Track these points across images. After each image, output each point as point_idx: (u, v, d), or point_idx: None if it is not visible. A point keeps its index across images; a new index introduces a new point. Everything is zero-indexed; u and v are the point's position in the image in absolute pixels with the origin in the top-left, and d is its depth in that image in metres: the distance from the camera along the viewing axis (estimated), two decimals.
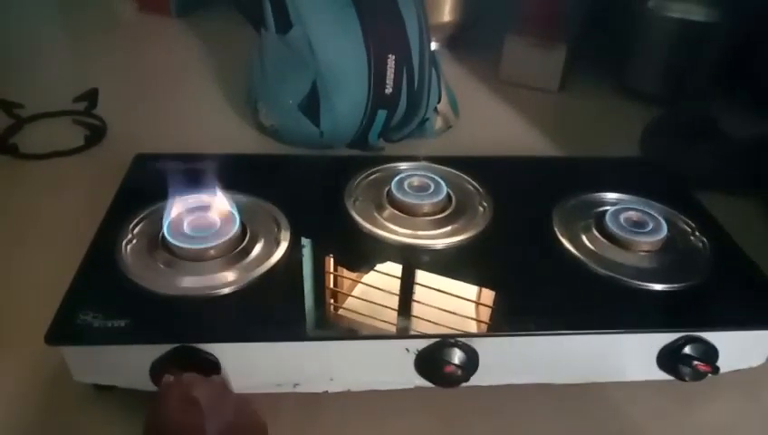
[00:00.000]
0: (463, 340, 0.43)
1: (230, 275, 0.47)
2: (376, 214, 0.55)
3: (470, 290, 0.48)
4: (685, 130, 0.82)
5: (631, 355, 0.46)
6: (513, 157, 0.66)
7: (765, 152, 0.75)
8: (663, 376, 0.47)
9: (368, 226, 0.53)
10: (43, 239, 0.60)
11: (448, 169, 0.60)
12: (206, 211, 0.51)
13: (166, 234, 0.48)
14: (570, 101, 0.95)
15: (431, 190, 0.56)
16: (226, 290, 0.45)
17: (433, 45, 1.03)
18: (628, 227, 0.52)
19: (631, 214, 0.54)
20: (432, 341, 0.43)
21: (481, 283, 0.48)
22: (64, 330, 0.41)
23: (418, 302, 0.46)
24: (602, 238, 0.52)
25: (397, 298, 0.47)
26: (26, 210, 0.64)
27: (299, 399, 0.45)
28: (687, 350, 0.45)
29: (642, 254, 0.51)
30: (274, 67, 0.76)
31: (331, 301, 0.47)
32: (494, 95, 0.94)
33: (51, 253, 0.57)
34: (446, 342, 0.43)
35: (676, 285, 0.48)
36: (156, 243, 0.49)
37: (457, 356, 0.43)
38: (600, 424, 0.47)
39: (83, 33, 1.12)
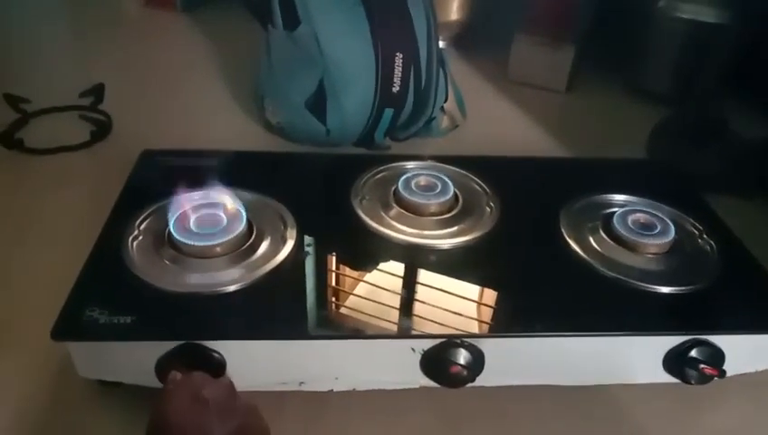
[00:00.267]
0: (469, 340, 0.43)
1: (236, 273, 0.46)
2: (382, 213, 0.54)
3: (476, 290, 0.48)
4: (693, 131, 0.81)
5: (638, 358, 0.46)
6: (521, 157, 0.66)
7: None
8: (669, 379, 0.46)
9: (374, 225, 0.53)
10: (49, 234, 0.60)
11: (455, 169, 0.60)
12: (212, 208, 0.51)
13: (172, 230, 0.48)
14: (577, 101, 0.95)
15: (438, 190, 0.56)
16: (232, 287, 0.45)
17: (440, 44, 1.04)
18: (635, 230, 0.52)
19: (639, 216, 0.54)
20: (438, 341, 0.43)
21: (487, 283, 0.48)
22: (70, 326, 0.41)
23: (425, 302, 0.46)
24: (610, 240, 0.52)
25: (403, 298, 0.47)
26: (32, 205, 0.64)
27: (304, 397, 0.45)
28: (694, 353, 0.45)
29: (650, 256, 0.51)
30: (282, 64, 0.76)
31: (337, 300, 0.47)
32: (501, 95, 0.94)
33: (56, 248, 0.57)
34: (452, 342, 0.43)
35: (683, 288, 0.48)
36: (162, 240, 0.49)
37: (463, 357, 0.43)
38: (606, 426, 0.47)
39: (89, 28, 1.12)
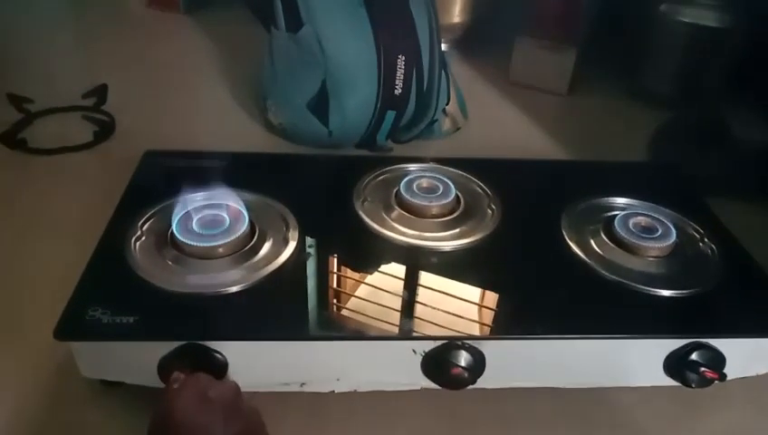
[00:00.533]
0: (470, 342, 0.43)
1: (238, 274, 0.47)
2: (384, 215, 0.55)
3: (478, 293, 0.48)
4: (695, 134, 0.81)
5: (638, 361, 0.46)
6: (523, 159, 0.66)
7: None
8: (670, 382, 0.47)
9: (376, 226, 0.53)
10: (51, 234, 0.60)
11: (457, 171, 0.60)
12: (215, 209, 0.51)
13: (175, 231, 0.48)
14: (579, 103, 0.95)
15: (440, 192, 0.56)
16: (235, 288, 0.45)
17: (443, 46, 1.04)
18: (636, 233, 0.52)
19: (640, 219, 0.54)
20: (439, 343, 0.43)
21: (489, 286, 0.49)
22: (73, 325, 0.41)
23: (426, 303, 0.46)
24: (611, 243, 0.52)
25: (405, 299, 0.47)
26: (35, 205, 0.65)
27: (306, 398, 0.45)
28: (695, 356, 0.45)
29: (650, 259, 0.51)
30: (284, 66, 0.76)
31: (339, 301, 0.47)
32: (503, 97, 0.94)
33: (59, 248, 0.57)
34: (453, 344, 0.43)
35: (684, 291, 0.48)
36: (165, 240, 0.49)
37: (464, 358, 0.43)
38: (606, 429, 0.47)
39: (93, 28, 1.12)
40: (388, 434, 0.45)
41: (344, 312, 0.46)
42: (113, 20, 1.16)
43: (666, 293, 0.48)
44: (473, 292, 0.48)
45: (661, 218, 0.54)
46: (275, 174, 0.60)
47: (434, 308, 0.46)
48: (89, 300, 0.43)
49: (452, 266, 0.50)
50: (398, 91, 0.74)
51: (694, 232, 0.55)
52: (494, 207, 0.56)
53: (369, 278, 0.49)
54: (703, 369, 0.44)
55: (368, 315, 0.45)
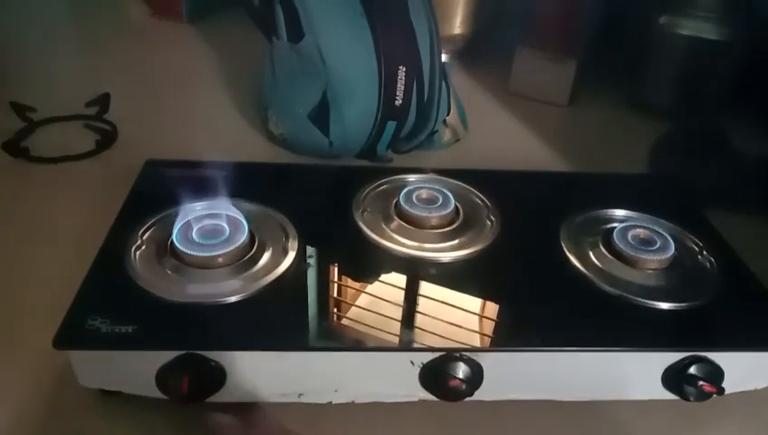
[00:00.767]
0: (468, 354, 0.44)
1: (237, 284, 0.47)
2: (383, 225, 0.55)
3: (476, 304, 0.48)
4: (694, 146, 0.82)
5: (636, 374, 0.46)
6: (522, 171, 0.66)
7: None
8: (668, 395, 0.47)
9: (375, 237, 0.53)
10: (52, 243, 0.61)
11: (456, 182, 0.60)
12: (215, 219, 0.51)
13: (175, 241, 0.48)
14: (579, 115, 0.95)
15: (439, 203, 0.56)
16: (234, 298, 0.45)
17: (443, 57, 1.04)
18: (635, 245, 0.52)
19: (639, 231, 0.54)
20: (437, 354, 0.43)
21: (487, 297, 0.49)
22: (72, 334, 0.41)
23: (424, 314, 0.46)
24: (609, 255, 0.52)
25: (403, 310, 0.47)
26: (36, 213, 0.65)
27: (303, 409, 0.45)
28: (693, 370, 0.45)
29: (649, 272, 0.51)
30: (285, 76, 0.76)
31: (338, 311, 0.47)
32: (503, 108, 0.95)
33: (59, 257, 0.57)
34: (451, 355, 0.43)
35: (682, 304, 0.48)
36: (165, 249, 0.49)
37: (462, 370, 0.43)
38: None
39: (96, 37, 1.13)
40: None
41: (343, 322, 0.46)
42: (116, 29, 1.17)
43: (664, 305, 0.48)
44: (471, 303, 0.48)
45: (660, 231, 0.54)
46: (276, 184, 0.60)
47: (432, 319, 0.46)
48: (88, 309, 0.43)
49: (451, 278, 0.50)
50: (398, 102, 0.74)
51: (693, 245, 0.55)
52: (493, 218, 0.56)
53: (368, 289, 0.49)
54: (701, 383, 0.44)
55: (366, 326, 0.45)
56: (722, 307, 0.49)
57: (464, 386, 0.43)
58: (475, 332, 0.45)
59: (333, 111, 0.73)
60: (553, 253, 0.53)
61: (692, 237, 0.55)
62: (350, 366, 0.44)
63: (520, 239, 0.55)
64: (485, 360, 0.44)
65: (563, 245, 0.53)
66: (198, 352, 0.42)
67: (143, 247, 0.49)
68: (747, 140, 0.79)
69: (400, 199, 0.56)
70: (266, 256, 0.50)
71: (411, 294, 0.49)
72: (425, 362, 0.44)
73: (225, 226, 0.50)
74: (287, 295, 0.47)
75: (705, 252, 0.54)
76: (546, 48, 0.94)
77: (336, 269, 0.51)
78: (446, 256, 0.52)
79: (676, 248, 0.52)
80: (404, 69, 0.73)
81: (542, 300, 0.49)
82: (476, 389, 0.44)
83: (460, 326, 0.45)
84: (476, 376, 0.44)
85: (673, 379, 0.45)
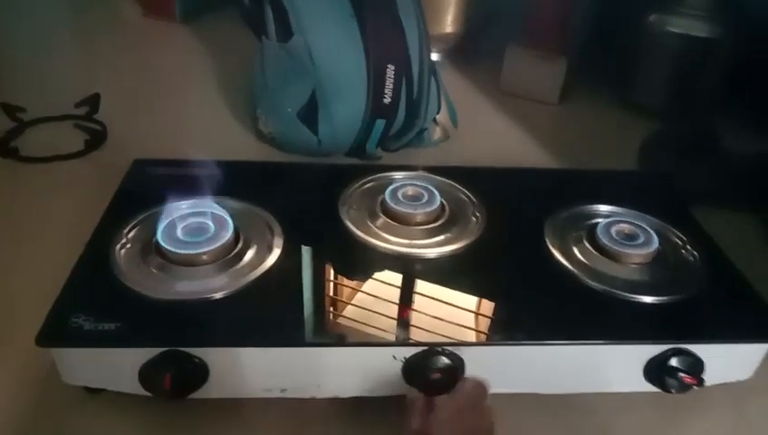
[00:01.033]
0: (450, 348, 0.44)
1: (222, 281, 0.47)
2: (369, 222, 0.55)
3: (459, 299, 0.48)
4: (684, 144, 0.82)
5: (619, 366, 0.47)
6: (509, 168, 0.67)
7: (765, 169, 0.75)
8: (650, 388, 0.47)
9: (361, 234, 0.53)
10: (41, 242, 0.61)
11: (443, 179, 0.60)
12: (200, 217, 0.51)
13: (159, 238, 0.49)
14: (570, 113, 0.96)
15: (424, 200, 0.56)
16: (217, 295, 0.46)
17: (434, 56, 1.04)
18: (619, 240, 0.52)
19: (623, 226, 0.54)
20: (419, 349, 0.44)
21: (470, 292, 0.49)
22: (55, 332, 0.42)
23: (408, 310, 0.47)
24: (593, 250, 0.53)
25: (387, 306, 0.47)
26: (26, 213, 0.65)
27: (286, 404, 0.46)
28: (674, 362, 0.45)
29: (633, 266, 0.52)
30: (275, 75, 0.76)
31: (322, 308, 0.47)
32: (494, 106, 0.95)
33: (48, 255, 0.58)
34: (433, 350, 0.44)
35: (665, 298, 0.49)
36: (150, 247, 0.49)
37: (444, 364, 0.43)
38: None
39: (88, 37, 1.13)
40: None
41: (326, 318, 0.46)
42: (109, 29, 1.17)
43: (647, 299, 0.48)
44: (455, 298, 0.48)
45: (644, 226, 0.54)
46: (263, 182, 0.60)
47: (416, 314, 0.46)
48: (72, 307, 0.43)
49: (435, 273, 0.51)
50: (387, 100, 0.74)
51: (677, 239, 0.55)
52: (478, 214, 0.57)
53: (353, 286, 0.49)
54: (682, 374, 0.45)
55: (349, 321, 0.46)
56: (704, 300, 0.49)
57: (446, 380, 0.43)
58: (458, 326, 0.46)
59: (322, 109, 0.73)
60: (538, 248, 0.53)
61: (676, 232, 0.56)
62: (332, 362, 0.45)
63: (505, 235, 0.55)
64: (467, 354, 0.44)
65: (548, 240, 0.54)
66: (181, 348, 0.42)
67: (128, 245, 0.50)
68: (737, 138, 0.80)
69: (386, 197, 0.56)
70: (251, 254, 0.50)
71: (395, 290, 0.49)
72: (407, 357, 0.44)
73: (210, 223, 0.51)
74: (271, 292, 0.47)
75: (688, 246, 0.54)
76: (537, 47, 0.95)
77: (321, 266, 0.51)
78: (432, 253, 0.53)
79: (659, 243, 0.53)
80: (393, 67, 0.73)
81: (525, 295, 0.49)
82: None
83: (443, 321, 0.46)
84: (459, 370, 0.44)
85: (654, 371, 0.46)
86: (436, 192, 0.57)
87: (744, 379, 0.48)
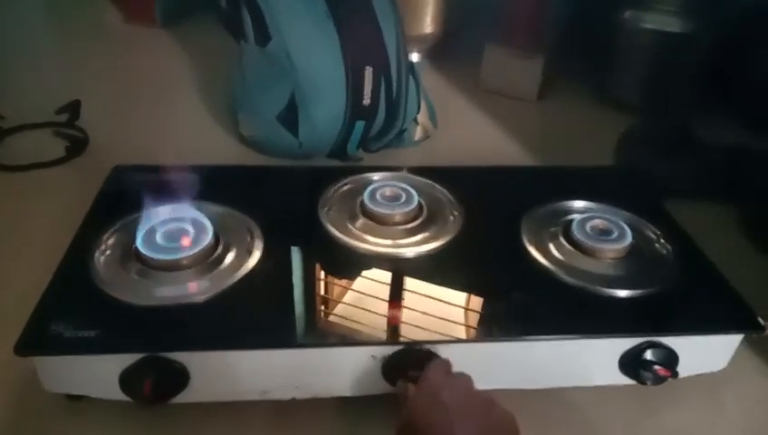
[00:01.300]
0: (428, 346, 0.44)
1: (201, 285, 0.47)
2: (349, 224, 0.56)
3: (437, 298, 0.49)
4: (660, 139, 0.83)
5: (594, 360, 0.47)
6: (487, 166, 0.67)
7: (740, 161, 0.77)
8: (627, 381, 0.48)
9: (340, 235, 0.54)
10: (22, 250, 0.61)
11: (421, 179, 0.61)
12: (179, 222, 0.52)
13: (138, 244, 0.49)
14: (549, 110, 0.97)
15: (402, 200, 0.57)
16: (197, 299, 0.46)
17: (414, 56, 1.05)
18: (593, 235, 0.53)
19: (597, 222, 0.55)
20: (398, 347, 0.44)
21: (447, 291, 0.49)
22: (34, 340, 0.42)
23: (385, 309, 0.47)
24: (569, 246, 0.53)
25: (366, 306, 0.48)
26: (6, 221, 0.65)
27: (267, 406, 0.46)
28: (648, 355, 0.46)
29: (608, 261, 0.52)
30: (254, 78, 0.77)
31: (302, 309, 0.47)
32: (473, 104, 0.96)
33: (30, 263, 0.58)
34: (411, 348, 0.44)
35: (639, 292, 0.49)
36: (129, 253, 0.50)
37: (423, 363, 0.44)
38: (563, 428, 0.48)
39: (69, 43, 1.13)
40: None
41: (304, 320, 0.46)
42: (90, 35, 1.17)
43: (622, 293, 0.49)
44: (433, 297, 0.49)
45: (618, 221, 0.55)
46: (243, 186, 0.61)
47: (394, 313, 0.47)
48: (51, 314, 0.43)
49: (413, 272, 0.51)
50: (366, 102, 0.75)
51: (651, 233, 0.56)
52: (456, 213, 0.57)
53: (331, 287, 0.50)
54: (656, 367, 0.45)
55: (328, 322, 0.46)
56: (678, 293, 0.50)
57: None
58: (436, 325, 0.46)
59: (302, 112, 0.74)
60: (514, 245, 0.54)
61: (650, 226, 0.57)
62: (312, 363, 0.45)
63: (482, 233, 0.56)
64: (446, 352, 0.45)
65: (524, 237, 0.54)
66: (161, 354, 0.42)
67: (108, 252, 0.50)
68: (712, 132, 0.81)
69: (365, 198, 0.57)
70: (230, 258, 0.50)
71: (374, 290, 0.49)
72: (386, 356, 0.44)
73: (190, 228, 0.51)
74: (250, 296, 0.47)
75: (662, 240, 0.55)
76: (515, 45, 0.95)
77: (300, 268, 0.51)
78: (410, 252, 0.53)
79: (633, 237, 0.54)
80: (371, 69, 0.74)
81: (502, 292, 0.49)
82: None
83: (421, 320, 0.46)
84: None
85: (629, 364, 0.47)
86: (413, 192, 0.58)
87: (719, 370, 0.49)
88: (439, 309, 0.48)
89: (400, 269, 0.51)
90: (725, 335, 0.48)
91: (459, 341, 0.46)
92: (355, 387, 0.46)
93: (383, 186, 0.58)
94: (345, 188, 0.61)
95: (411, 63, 0.80)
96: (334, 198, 0.59)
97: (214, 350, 0.43)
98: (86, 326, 0.43)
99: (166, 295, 0.46)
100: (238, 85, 0.80)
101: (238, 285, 0.48)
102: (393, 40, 0.76)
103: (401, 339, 0.45)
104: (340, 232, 0.54)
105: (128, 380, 0.42)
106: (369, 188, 0.58)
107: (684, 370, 0.47)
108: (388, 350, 0.44)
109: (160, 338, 0.43)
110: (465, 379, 0.42)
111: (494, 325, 0.46)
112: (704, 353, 0.48)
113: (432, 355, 0.44)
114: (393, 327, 0.46)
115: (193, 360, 0.43)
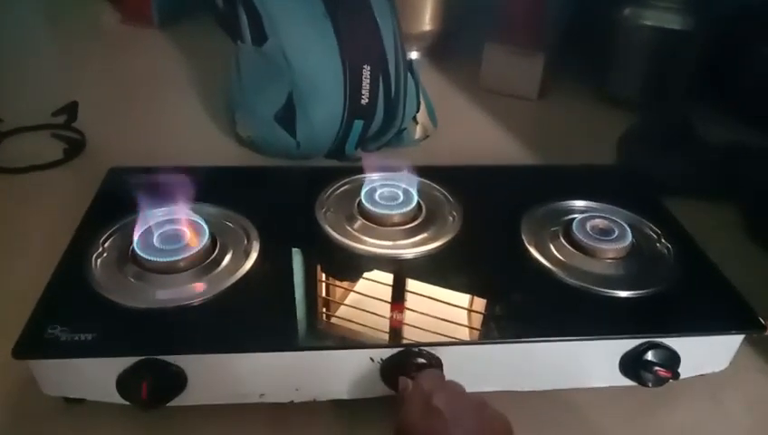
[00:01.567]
0: (427, 349, 0.44)
1: (198, 287, 0.47)
2: (347, 225, 0.55)
3: (436, 299, 0.48)
4: (660, 136, 0.82)
5: (595, 362, 0.47)
6: (486, 166, 0.67)
7: (740, 158, 0.76)
8: (627, 382, 0.47)
9: (338, 236, 0.54)
10: (19, 252, 0.61)
11: (420, 179, 0.60)
12: (176, 224, 0.51)
13: (135, 247, 0.49)
14: (549, 108, 0.96)
15: (401, 200, 0.56)
16: (194, 302, 0.46)
17: (413, 54, 1.05)
18: (593, 235, 0.53)
19: (598, 222, 0.54)
20: (396, 350, 0.44)
21: (447, 292, 0.49)
22: (32, 344, 0.42)
23: (384, 311, 0.47)
24: (569, 246, 0.53)
25: (365, 308, 0.47)
26: (4, 224, 0.65)
27: (265, 409, 0.46)
28: (649, 356, 0.45)
29: (608, 261, 0.52)
30: (251, 79, 0.76)
31: (299, 312, 0.47)
32: (473, 103, 0.95)
33: (28, 266, 0.57)
34: (410, 350, 0.44)
35: (640, 292, 0.49)
36: (126, 256, 0.49)
37: (422, 365, 0.44)
38: (564, 430, 0.47)
39: (65, 44, 1.13)
40: None
41: (302, 322, 0.46)
42: (86, 36, 1.16)
43: (622, 294, 0.49)
44: (432, 299, 0.48)
45: (618, 220, 0.55)
46: (240, 187, 0.61)
47: (393, 315, 0.46)
48: (48, 318, 0.43)
49: (412, 274, 0.51)
50: (364, 101, 0.74)
51: (651, 232, 0.56)
52: (455, 213, 0.57)
53: (330, 289, 0.50)
54: (657, 368, 0.45)
55: (327, 324, 0.46)
56: (678, 293, 0.50)
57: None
58: (435, 326, 0.46)
59: (299, 111, 0.73)
60: (514, 245, 0.54)
61: (650, 225, 0.56)
62: (311, 365, 0.45)
63: (482, 233, 0.56)
64: (445, 354, 0.44)
65: (524, 237, 0.54)
66: (158, 356, 0.42)
67: (104, 255, 0.50)
68: (712, 129, 0.80)
69: (362, 198, 0.56)
70: (227, 260, 0.50)
71: (372, 292, 0.49)
72: (384, 359, 0.44)
73: (186, 230, 0.51)
74: (247, 298, 0.47)
75: (663, 239, 0.55)
76: (515, 43, 0.95)
77: (298, 270, 0.51)
78: (409, 253, 0.53)
79: (634, 237, 0.53)
80: (369, 67, 0.74)
81: (502, 293, 0.49)
82: None
83: (419, 321, 0.46)
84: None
85: (630, 365, 0.46)
86: (412, 192, 0.57)
87: (720, 370, 0.49)
88: (438, 310, 0.47)
89: (399, 270, 0.51)
90: (727, 335, 0.47)
91: (459, 343, 0.45)
92: (353, 390, 0.45)
93: (381, 186, 0.58)
94: (343, 188, 0.60)
95: (410, 62, 0.80)
96: (332, 199, 0.59)
97: (211, 353, 0.43)
98: (83, 329, 0.42)
99: (163, 298, 0.46)
100: (235, 85, 0.80)
101: (235, 287, 0.48)
102: (391, 38, 0.75)
103: (400, 341, 0.45)
104: (339, 233, 0.54)
105: (125, 383, 0.42)
106: (367, 188, 0.57)
107: (685, 370, 0.46)
108: (387, 352, 0.44)
109: (157, 341, 0.43)
110: (455, 384, 0.41)
111: (493, 327, 0.45)
112: (705, 354, 0.48)
113: (431, 357, 0.44)
114: (392, 329, 0.46)
115: (190, 363, 0.42)
